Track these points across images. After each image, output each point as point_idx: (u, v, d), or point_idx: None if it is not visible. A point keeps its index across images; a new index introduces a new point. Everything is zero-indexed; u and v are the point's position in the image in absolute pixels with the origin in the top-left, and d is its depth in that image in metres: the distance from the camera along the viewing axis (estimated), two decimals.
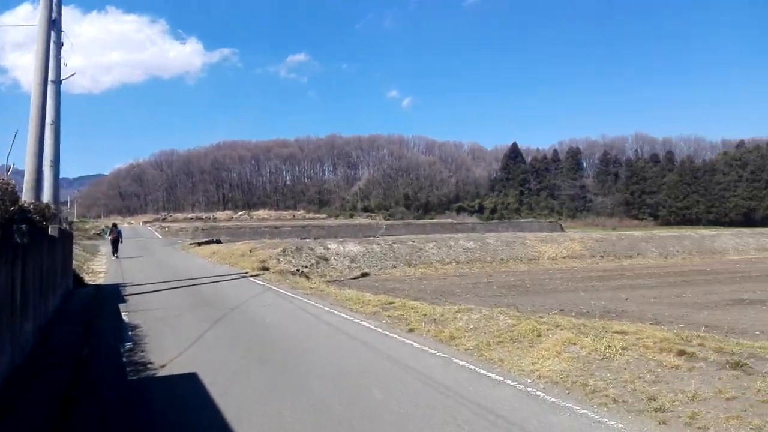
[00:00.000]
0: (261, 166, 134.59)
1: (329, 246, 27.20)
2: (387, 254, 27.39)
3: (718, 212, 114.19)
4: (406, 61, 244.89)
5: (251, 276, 18.37)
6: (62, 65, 15.26)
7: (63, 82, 15.30)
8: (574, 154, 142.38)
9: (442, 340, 7.90)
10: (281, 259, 24.59)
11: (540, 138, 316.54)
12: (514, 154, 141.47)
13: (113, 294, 14.47)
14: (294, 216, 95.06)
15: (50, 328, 9.18)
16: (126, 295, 14.03)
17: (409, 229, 57.23)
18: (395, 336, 8.41)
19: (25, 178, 12.57)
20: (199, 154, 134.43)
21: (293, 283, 16.05)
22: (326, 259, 25.95)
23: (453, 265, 27.65)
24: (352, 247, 27.29)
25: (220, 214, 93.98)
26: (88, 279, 18.45)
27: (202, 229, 55.22)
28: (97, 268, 23.16)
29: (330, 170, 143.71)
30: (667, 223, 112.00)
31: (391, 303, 11.05)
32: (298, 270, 22.08)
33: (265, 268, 20.47)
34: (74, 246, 31.88)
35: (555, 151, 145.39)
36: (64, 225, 15.90)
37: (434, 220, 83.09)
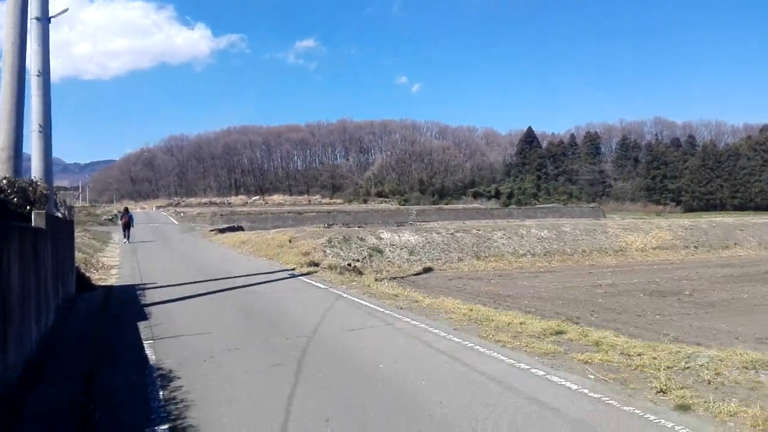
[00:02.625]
0: (272, 151, 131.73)
1: (382, 235, 23.29)
2: (450, 245, 23.48)
3: (743, 197, 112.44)
4: (415, 47, 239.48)
5: (301, 274, 14.68)
6: None
7: (52, 21, 11.35)
8: (593, 139, 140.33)
9: None
10: (328, 251, 20.81)
11: (555, 123, 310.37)
12: (529, 138, 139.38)
13: (129, 303, 10.77)
14: (310, 201, 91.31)
15: (22, 392, 5.42)
16: (146, 306, 10.32)
17: (441, 215, 53.32)
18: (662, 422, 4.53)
19: None
20: (209, 139, 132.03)
21: (363, 287, 12.22)
22: (380, 251, 22.08)
23: (528, 257, 23.73)
24: (409, 237, 23.40)
25: (235, 199, 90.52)
26: (97, 278, 14.74)
27: (221, 215, 51.43)
28: (109, 260, 19.50)
29: (342, 155, 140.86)
30: (690, 209, 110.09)
31: (561, 332, 7.27)
32: (349, 264, 18.39)
33: (314, 263, 16.77)
34: (84, 233, 28.76)
35: (572, 135, 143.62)
36: (62, 210, 12.12)
37: (461, 206, 78.86)
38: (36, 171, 10.73)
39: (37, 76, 10.94)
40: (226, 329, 8.20)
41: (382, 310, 9.42)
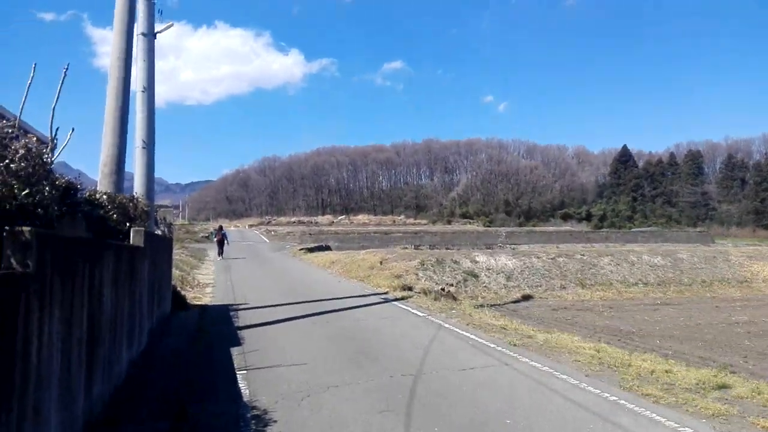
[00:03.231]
0: (358, 171, 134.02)
1: (477, 259, 22.05)
2: (551, 271, 21.83)
3: None
4: (502, 65, 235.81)
5: (395, 299, 13.89)
6: (155, 13, 11.43)
7: (158, 37, 11.43)
8: (694, 158, 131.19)
9: None
10: (420, 275, 19.87)
11: (652, 141, 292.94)
12: (624, 157, 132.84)
13: (222, 325, 10.41)
14: (395, 221, 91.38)
15: (108, 425, 4.91)
16: (240, 328, 9.89)
17: (531, 238, 50.84)
18: None
19: (100, 160, 8.70)
20: (299, 159, 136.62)
21: (464, 316, 11.14)
22: (476, 276, 20.86)
23: (640, 287, 21.53)
24: (506, 261, 22.01)
25: (321, 219, 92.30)
26: (192, 296, 14.72)
27: (309, 234, 52.13)
28: (204, 278, 19.75)
29: (426, 175, 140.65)
30: None
31: (724, 386, 5.92)
32: (442, 289, 17.30)
33: (407, 287, 15.93)
34: (182, 250, 29.85)
35: (672, 154, 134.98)
36: (162, 228, 12.10)
37: (552, 228, 75.28)
38: (138, 187, 10.72)
39: (142, 92, 11.03)
40: (323, 361, 7.48)
41: (492, 345, 8.34)
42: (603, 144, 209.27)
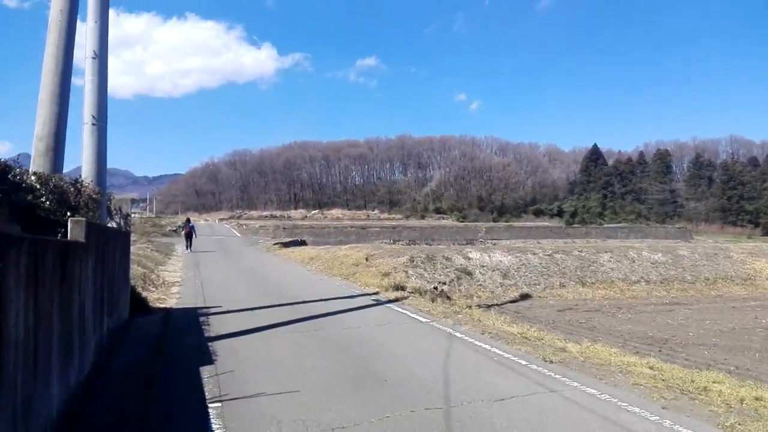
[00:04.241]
0: (331, 166, 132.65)
1: (470, 255, 20.53)
2: (549, 268, 20.53)
3: None
4: (475, 65, 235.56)
5: (389, 301, 12.36)
6: None
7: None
8: (663, 156, 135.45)
9: None
10: (410, 272, 18.32)
11: (622, 140, 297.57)
12: (595, 155, 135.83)
13: (190, 335, 8.69)
14: (369, 216, 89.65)
15: None
16: (211, 339, 8.21)
17: (512, 233, 49.89)
18: None
19: (34, 134, 6.93)
20: (271, 154, 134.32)
21: (475, 322, 9.58)
22: (470, 274, 19.38)
23: (642, 285, 20.37)
24: (501, 258, 20.58)
25: (295, 213, 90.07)
26: (156, 298, 12.87)
27: (283, 228, 49.97)
28: (171, 276, 17.84)
29: (400, 171, 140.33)
30: None
31: None
32: (435, 288, 15.83)
33: (399, 287, 14.31)
34: (147, 245, 27.63)
35: (641, 153, 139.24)
36: (117, 220, 10.27)
37: (531, 224, 74.67)
38: (86, 172, 8.89)
39: (93, 58, 9.16)
40: (318, 387, 5.88)
41: (524, 362, 6.85)
42: (574, 142, 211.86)
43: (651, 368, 6.51)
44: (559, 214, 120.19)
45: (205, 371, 6.46)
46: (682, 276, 21.28)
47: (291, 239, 41.00)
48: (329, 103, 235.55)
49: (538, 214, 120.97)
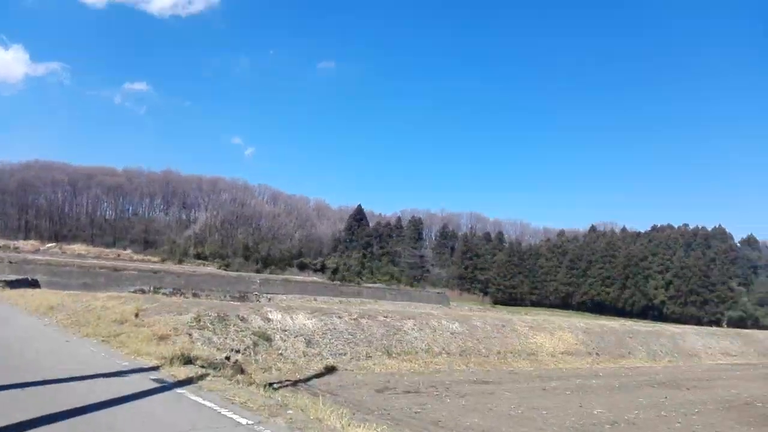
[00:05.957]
0: (78, 193, 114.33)
1: (270, 316, 17.61)
2: (355, 335, 18.81)
3: (540, 294, 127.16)
4: (253, 112, 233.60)
5: (178, 383, 8.74)
6: None
7: None
8: (416, 224, 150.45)
9: None
10: (195, 335, 14.71)
11: (384, 204, 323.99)
12: (359, 216, 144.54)
13: None
14: (119, 255, 78.49)
15: None
16: None
17: (287, 288, 47.87)
18: None
19: None
20: (2, 171, 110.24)
21: (313, 421, 6.93)
22: (268, 339, 16.42)
23: (444, 356, 19.90)
24: (305, 321, 18.16)
25: (24, 244, 73.78)
26: None
27: (9, 262, 39.72)
28: None
29: (161, 208, 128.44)
30: (497, 301, 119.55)
31: None
32: (227, 358, 12.88)
33: (184, 357, 10.77)
34: None
35: (399, 218, 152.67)
36: None
37: (307, 279, 73.37)
38: None
39: None
40: None
41: None
42: (341, 201, 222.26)
43: None
44: (323, 269, 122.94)
45: None
46: (478, 348, 21.78)
47: (19, 278, 32.80)
48: (86, 122, 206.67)
49: (302, 267, 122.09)
